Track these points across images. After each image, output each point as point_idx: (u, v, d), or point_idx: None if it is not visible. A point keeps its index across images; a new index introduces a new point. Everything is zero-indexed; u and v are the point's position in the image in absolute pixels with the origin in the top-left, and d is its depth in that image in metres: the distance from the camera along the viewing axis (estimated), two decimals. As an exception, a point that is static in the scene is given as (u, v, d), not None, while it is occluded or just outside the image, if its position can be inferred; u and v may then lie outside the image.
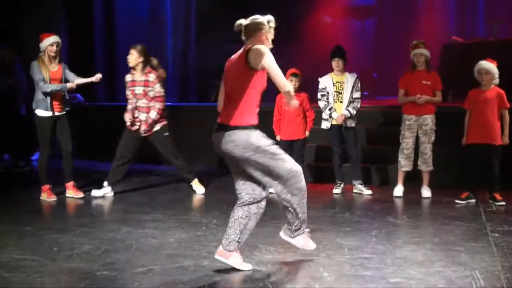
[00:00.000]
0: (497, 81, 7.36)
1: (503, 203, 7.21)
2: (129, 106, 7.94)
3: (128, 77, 7.93)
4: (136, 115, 7.91)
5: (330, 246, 5.41)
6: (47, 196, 7.68)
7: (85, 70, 10.50)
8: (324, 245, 5.44)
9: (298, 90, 7.96)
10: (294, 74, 7.98)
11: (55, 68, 7.60)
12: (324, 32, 14.31)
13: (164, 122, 8.02)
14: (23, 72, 10.15)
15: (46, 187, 7.71)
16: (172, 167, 8.57)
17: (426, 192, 7.77)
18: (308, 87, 8.65)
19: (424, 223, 6.54)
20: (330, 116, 7.97)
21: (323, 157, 9.08)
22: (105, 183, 7.95)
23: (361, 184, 8.09)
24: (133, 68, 7.84)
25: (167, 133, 8.03)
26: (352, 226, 6.23)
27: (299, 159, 7.82)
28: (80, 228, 6.16)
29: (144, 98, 7.83)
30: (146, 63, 7.84)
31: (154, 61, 8.20)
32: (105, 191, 7.92)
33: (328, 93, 8.00)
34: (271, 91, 8.77)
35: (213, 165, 10.36)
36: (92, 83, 7.85)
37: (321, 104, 8.06)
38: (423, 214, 7.09)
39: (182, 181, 8.43)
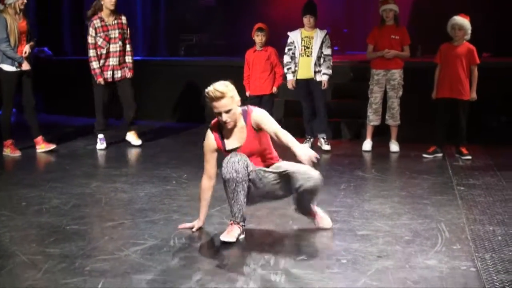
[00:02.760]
0: (468, 36, 7.38)
1: (469, 157, 7.32)
2: (93, 54, 7.75)
3: (97, 23, 7.74)
4: (100, 65, 7.78)
5: (299, 199, 5.46)
6: (10, 151, 7.56)
7: (52, 21, 10.28)
8: (293, 198, 5.50)
9: (265, 45, 7.95)
10: (259, 29, 7.92)
11: (20, 20, 7.40)
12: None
13: None
14: None
15: (8, 142, 7.58)
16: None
17: (394, 146, 7.85)
18: (281, 42, 8.62)
19: (391, 177, 6.63)
20: (289, 74, 7.97)
21: (292, 111, 9.10)
22: (101, 135, 8.00)
23: (323, 138, 8.11)
24: (98, 13, 7.72)
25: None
26: (321, 180, 6.28)
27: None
28: (49, 183, 6.12)
29: (120, 41, 7.79)
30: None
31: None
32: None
33: (295, 47, 7.97)
34: (242, 46, 8.76)
35: (182, 120, 10.35)
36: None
37: (285, 59, 8.00)
38: (391, 168, 7.19)
39: (149, 134, 8.40)
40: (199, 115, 10.33)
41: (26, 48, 7.42)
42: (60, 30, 12.52)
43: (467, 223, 4.81)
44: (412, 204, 5.38)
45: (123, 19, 7.88)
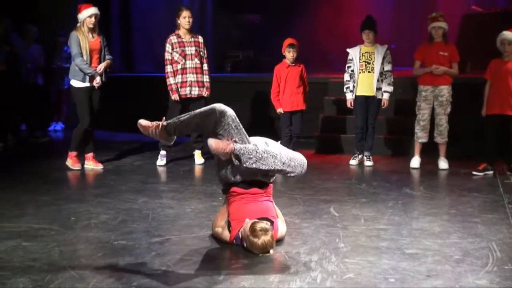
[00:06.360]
0: (520, 51, 7.26)
1: (521, 174, 7.18)
2: (170, 70, 7.92)
3: (174, 39, 7.96)
4: (178, 80, 7.91)
5: (346, 217, 5.41)
6: (72, 163, 7.70)
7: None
8: (341, 215, 5.45)
9: (296, 61, 7.95)
10: (291, 45, 7.95)
11: (94, 38, 7.57)
12: (342, 2, 14.17)
13: None
14: (20, 40, 10.22)
15: (73, 153, 7.72)
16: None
17: (443, 163, 7.73)
18: (327, 59, 8.59)
19: (440, 194, 6.52)
20: (348, 93, 7.97)
21: (339, 128, 9.08)
22: (164, 152, 8.11)
23: (367, 156, 8.09)
24: (177, 29, 7.99)
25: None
26: (368, 197, 6.23)
27: (298, 130, 8.02)
28: (97, 198, 6.20)
29: (196, 58, 7.97)
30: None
31: None
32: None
33: (354, 64, 7.93)
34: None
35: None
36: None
37: (345, 76, 8.03)
38: (440, 185, 7.07)
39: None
40: (246, 131, 10.35)
41: (101, 66, 7.55)
42: (109, 49, 12.72)
43: (520, 242, 4.70)
44: (462, 222, 5.27)
45: (200, 38, 8.07)
